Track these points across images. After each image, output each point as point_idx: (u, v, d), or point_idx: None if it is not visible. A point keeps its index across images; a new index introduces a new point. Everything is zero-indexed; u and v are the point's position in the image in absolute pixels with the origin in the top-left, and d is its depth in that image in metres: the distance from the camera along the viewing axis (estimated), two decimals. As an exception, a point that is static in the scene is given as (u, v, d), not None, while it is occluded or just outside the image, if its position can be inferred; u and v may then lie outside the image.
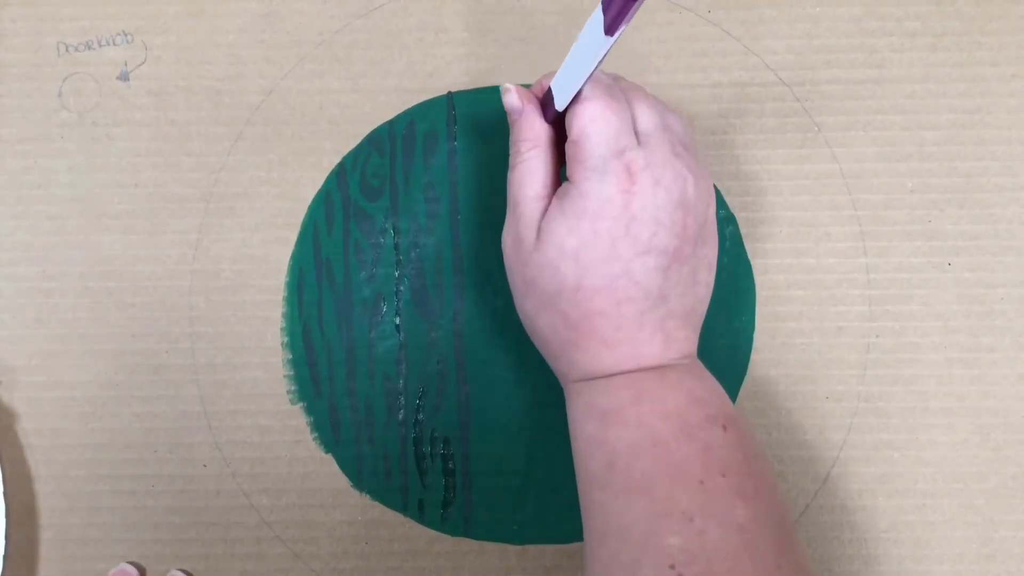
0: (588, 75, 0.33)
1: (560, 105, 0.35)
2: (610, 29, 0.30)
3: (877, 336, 0.42)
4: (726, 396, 0.36)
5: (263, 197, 0.43)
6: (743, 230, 0.43)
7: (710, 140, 0.43)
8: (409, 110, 0.44)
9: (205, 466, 0.43)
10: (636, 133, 0.35)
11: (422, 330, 0.43)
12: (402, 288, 0.43)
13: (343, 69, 0.44)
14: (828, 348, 0.43)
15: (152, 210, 0.43)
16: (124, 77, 0.44)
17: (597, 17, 0.30)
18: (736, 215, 0.43)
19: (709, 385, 0.36)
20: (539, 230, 0.35)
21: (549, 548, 0.42)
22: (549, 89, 0.36)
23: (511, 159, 0.37)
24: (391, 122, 0.43)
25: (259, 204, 0.43)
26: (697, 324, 0.37)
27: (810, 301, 0.43)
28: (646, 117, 0.35)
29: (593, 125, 0.34)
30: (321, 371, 0.43)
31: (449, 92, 0.44)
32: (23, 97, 0.44)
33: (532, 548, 0.42)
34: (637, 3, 0.29)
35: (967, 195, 0.43)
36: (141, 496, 0.42)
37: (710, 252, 0.37)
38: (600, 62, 0.32)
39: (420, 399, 0.43)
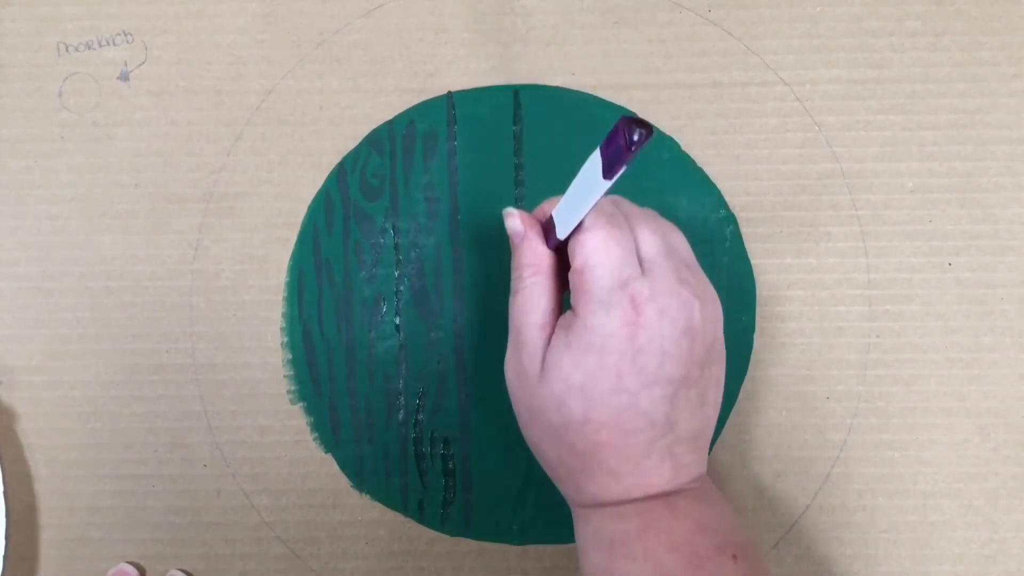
0: (588, 210, 0.32)
1: (562, 234, 0.35)
2: (607, 174, 0.30)
3: (877, 336, 0.42)
4: (737, 520, 0.35)
5: (263, 197, 0.43)
6: (743, 230, 0.43)
7: (710, 140, 0.43)
8: (409, 110, 0.43)
9: (205, 466, 0.43)
10: (640, 260, 0.34)
11: (422, 330, 0.43)
12: (402, 288, 0.43)
13: (343, 69, 0.44)
14: (828, 348, 0.42)
15: (152, 210, 0.43)
16: (124, 77, 0.44)
17: (596, 158, 0.30)
18: (736, 215, 0.43)
19: (719, 510, 0.35)
20: (544, 362, 0.35)
21: (549, 548, 0.42)
22: (551, 216, 0.35)
23: (512, 284, 0.36)
24: (391, 122, 0.43)
25: (259, 204, 0.43)
26: (706, 444, 0.36)
27: (810, 301, 0.43)
28: (649, 242, 0.35)
29: (596, 256, 0.33)
30: (321, 371, 0.43)
31: (449, 92, 0.44)
32: (23, 97, 0.44)
33: (532, 548, 0.42)
34: (634, 153, 0.28)
35: (967, 195, 0.43)
36: (141, 496, 0.42)
37: (718, 370, 0.36)
38: (600, 199, 0.32)
39: (420, 399, 0.43)
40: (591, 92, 0.43)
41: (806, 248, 0.43)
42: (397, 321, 0.43)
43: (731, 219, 0.43)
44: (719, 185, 0.43)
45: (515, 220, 0.36)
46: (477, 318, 0.43)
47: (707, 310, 0.35)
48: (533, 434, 0.36)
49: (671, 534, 0.33)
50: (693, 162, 0.43)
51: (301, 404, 0.43)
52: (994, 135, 0.43)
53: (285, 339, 0.43)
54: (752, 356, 0.43)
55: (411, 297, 0.43)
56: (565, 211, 0.34)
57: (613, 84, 0.43)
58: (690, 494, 0.35)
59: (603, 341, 0.33)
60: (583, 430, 0.34)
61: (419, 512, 0.42)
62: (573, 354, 0.34)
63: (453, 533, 0.42)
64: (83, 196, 0.43)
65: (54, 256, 0.43)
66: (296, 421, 0.43)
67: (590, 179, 0.31)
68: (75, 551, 0.42)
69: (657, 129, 0.43)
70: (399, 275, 0.43)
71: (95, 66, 0.44)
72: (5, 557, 0.41)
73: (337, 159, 0.43)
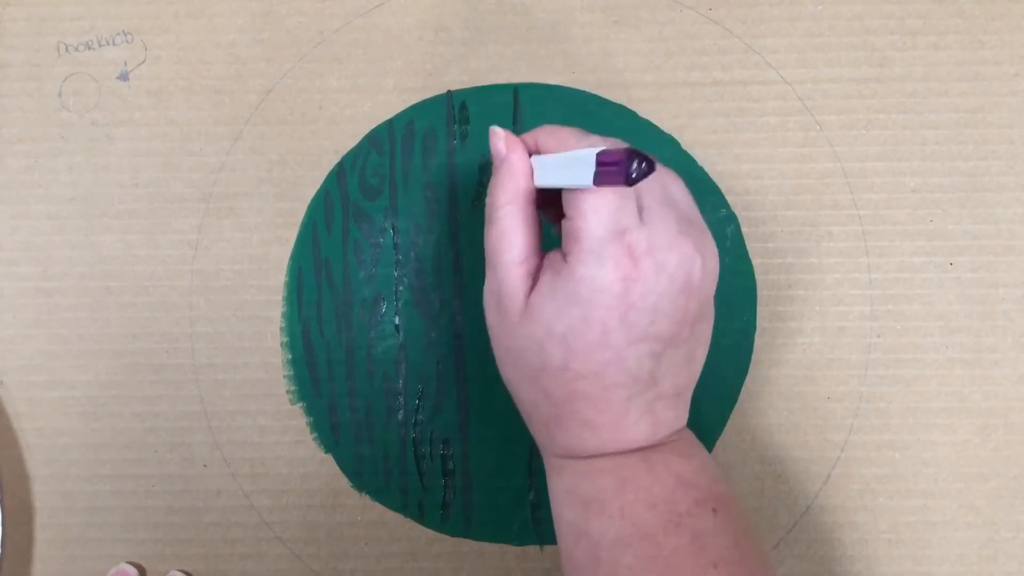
0: (564, 185, 0.31)
1: (537, 183, 0.33)
2: (596, 181, 0.29)
3: (879, 336, 0.42)
4: (715, 471, 0.34)
5: (263, 197, 0.43)
6: (744, 229, 0.43)
7: (711, 139, 0.43)
8: (408, 109, 0.43)
9: (205, 466, 0.43)
10: (639, 208, 0.32)
11: (422, 330, 0.43)
12: (401, 288, 0.43)
13: (343, 68, 0.44)
14: (829, 348, 0.42)
15: (152, 210, 0.43)
16: (124, 77, 0.44)
17: (590, 159, 0.29)
18: (737, 214, 0.43)
19: (697, 463, 0.33)
20: (526, 302, 0.33)
21: (549, 548, 0.42)
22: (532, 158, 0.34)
23: (487, 212, 0.34)
24: (390, 121, 0.43)
25: (259, 204, 0.43)
26: (688, 399, 0.35)
27: (811, 301, 0.43)
28: (648, 190, 0.32)
29: (590, 202, 0.31)
30: (321, 371, 0.43)
31: (448, 91, 0.44)
32: (23, 97, 0.44)
33: (532, 548, 0.42)
34: (628, 185, 0.28)
35: (969, 194, 0.43)
36: (141, 496, 0.42)
37: (707, 327, 0.35)
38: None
39: (420, 399, 0.43)
40: (591, 91, 0.43)
41: (807, 248, 0.43)
42: (397, 321, 0.43)
43: (732, 218, 0.43)
44: (720, 184, 0.43)
45: (499, 141, 0.34)
46: (477, 318, 0.43)
47: (708, 266, 0.33)
48: (510, 374, 0.34)
49: (649, 491, 0.32)
50: (694, 161, 0.43)
51: (301, 404, 0.43)
52: (996, 134, 0.43)
53: (285, 339, 0.43)
54: (753, 356, 0.43)
55: (411, 297, 0.43)
56: (545, 170, 0.33)
57: (613, 83, 0.43)
58: (667, 448, 0.33)
59: (591, 295, 0.31)
60: (561, 377, 0.32)
61: (419, 512, 0.42)
62: (558, 303, 0.31)
63: (453, 533, 0.42)
64: (83, 196, 0.43)
65: (54, 256, 0.43)
66: (296, 421, 0.43)
67: (578, 168, 0.30)
68: (74, 551, 0.42)
69: (657, 128, 0.43)
70: (399, 275, 0.43)
71: (95, 66, 0.44)
72: (3, 558, 0.41)
73: (336, 158, 0.43)
